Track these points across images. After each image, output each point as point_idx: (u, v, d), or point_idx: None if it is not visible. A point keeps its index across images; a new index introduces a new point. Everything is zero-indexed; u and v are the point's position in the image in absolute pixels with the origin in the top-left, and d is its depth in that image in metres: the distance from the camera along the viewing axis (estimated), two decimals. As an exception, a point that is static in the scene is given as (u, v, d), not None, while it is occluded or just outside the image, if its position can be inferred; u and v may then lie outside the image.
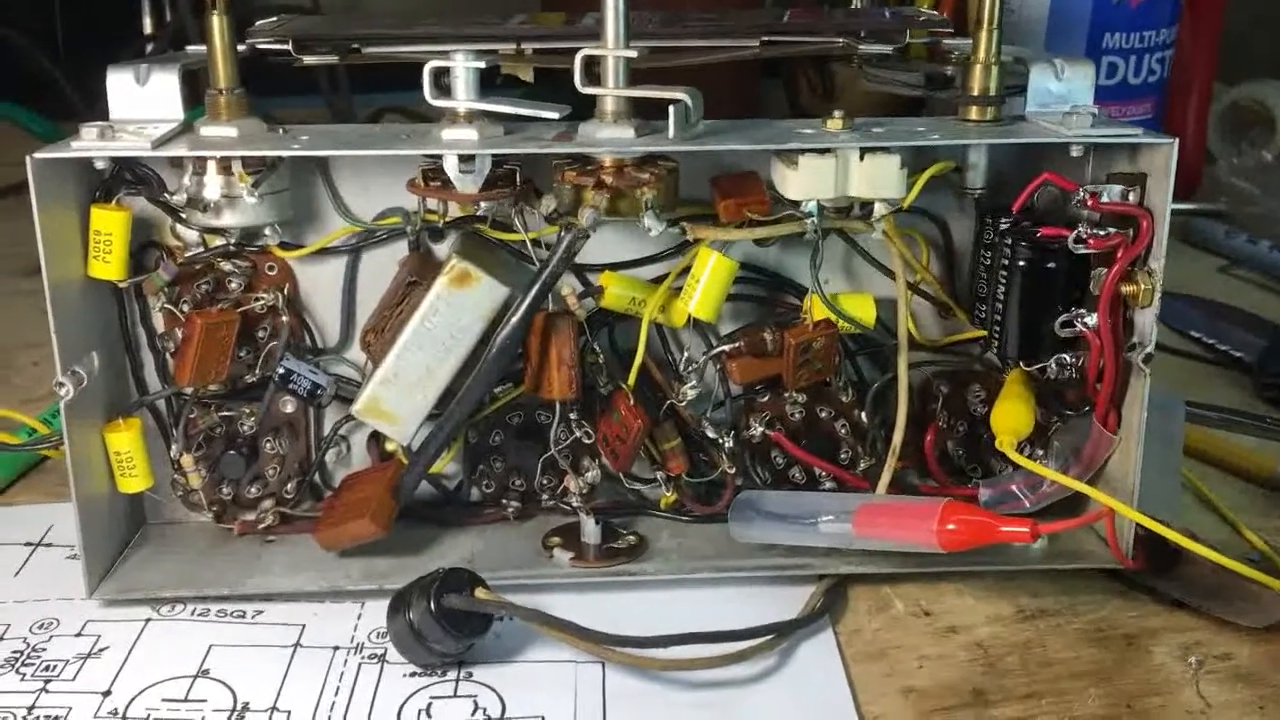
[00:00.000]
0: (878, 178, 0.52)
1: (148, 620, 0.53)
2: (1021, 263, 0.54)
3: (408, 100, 0.98)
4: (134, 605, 0.54)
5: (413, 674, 0.50)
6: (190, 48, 0.60)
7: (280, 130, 0.53)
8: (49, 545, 0.59)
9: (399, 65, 0.59)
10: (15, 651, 0.51)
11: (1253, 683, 0.50)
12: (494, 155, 0.52)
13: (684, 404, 0.57)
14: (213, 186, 0.52)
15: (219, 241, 0.55)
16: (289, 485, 0.58)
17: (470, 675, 0.50)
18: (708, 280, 0.54)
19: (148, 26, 1.21)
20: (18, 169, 0.99)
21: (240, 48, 0.54)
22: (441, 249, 0.57)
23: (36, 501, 0.63)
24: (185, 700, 0.48)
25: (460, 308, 0.54)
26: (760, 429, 0.58)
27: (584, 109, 0.52)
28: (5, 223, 1.07)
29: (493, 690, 0.49)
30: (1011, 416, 0.55)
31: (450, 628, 0.49)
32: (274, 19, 0.64)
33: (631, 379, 0.56)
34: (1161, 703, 0.49)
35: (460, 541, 0.58)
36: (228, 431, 0.58)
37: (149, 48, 1.18)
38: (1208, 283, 0.92)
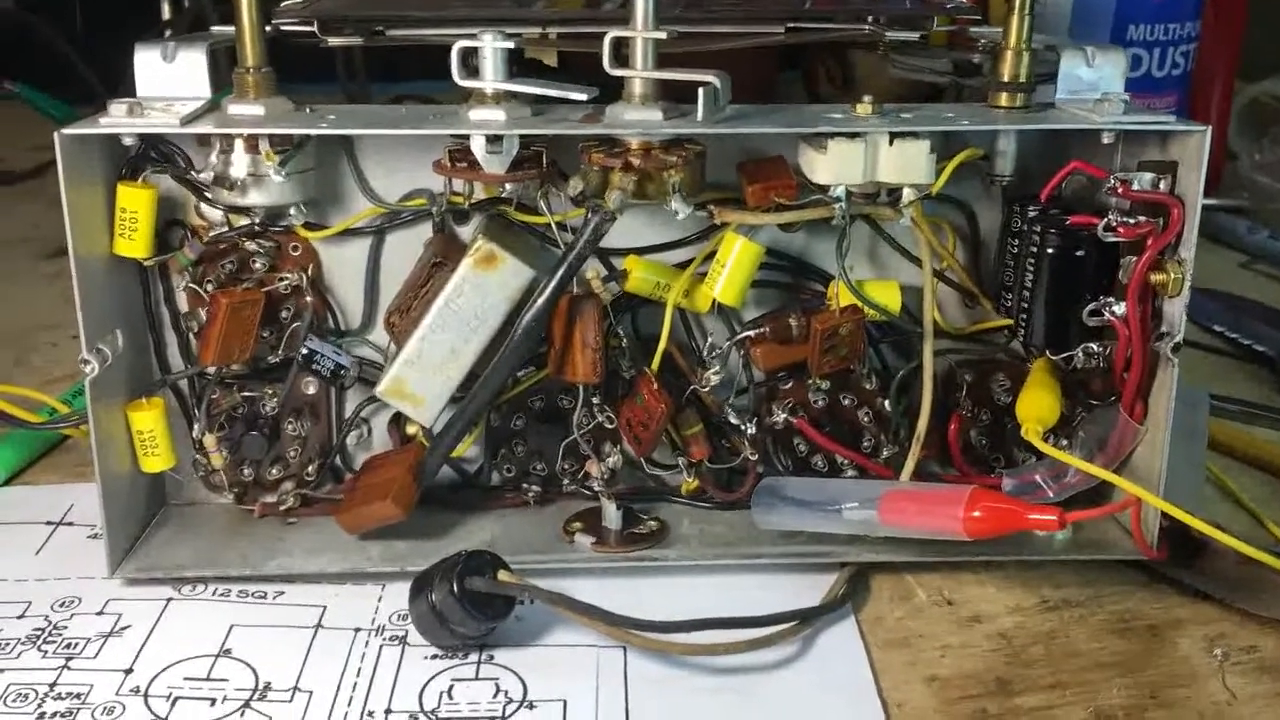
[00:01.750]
0: (907, 163, 0.51)
1: (169, 600, 0.53)
2: (1050, 250, 0.53)
3: (426, 89, 0.98)
4: (155, 585, 0.54)
5: (434, 656, 0.50)
6: (215, 28, 0.60)
7: (307, 109, 0.52)
8: (70, 524, 0.59)
9: (418, 53, 0.59)
10: (37, 629, 0.51)
11: (1278, 674, 0.49)
12: (521, 136, 0.51)
13: (707, 389, 0.57)
14: (240, 165, 0.52)
15: (244, 221, 0.55)
16: (310, 467, 0.58)
17: (492, 658, 0.50)
18: (733, 265, 0.54)
19: (166, 11, 1.21)
20: (37, 153, 1.00)
21: (266, 29, 0.54)
22: (466, 231, 0.57)
23: (58, 481, 0.63)
24: (207, 679, 0.48)
25: (485, 289, 0.54)
26: (783, 416, 0.58)
27: (609, 93, 0.52)
28: (25, 205, 1.08)
29: (514, 673, 0.49)
30: (1037, 405, 0.55)
31: (472, 610, 0.49)
32: (300, 0, 0.64)
33: (655, 363, 0.56)
34: (1187, 694, 0.48)
35: (481, 525, 0.58)
36: (250, 412, 0.58)
37: (167, 33, 1.18)
38: (1229, 278, 0.92)
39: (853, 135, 0.51)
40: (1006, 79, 0.53)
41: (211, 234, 0.55)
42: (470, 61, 0.50)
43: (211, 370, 0.56)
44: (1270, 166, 1.01)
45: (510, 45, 0.50)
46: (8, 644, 0.50)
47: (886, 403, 0.58)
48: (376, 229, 0.57)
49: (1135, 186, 0.51)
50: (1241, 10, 1.02)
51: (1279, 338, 0.76)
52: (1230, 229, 0.97)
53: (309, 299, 0.56)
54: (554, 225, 0.55)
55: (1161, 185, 0.51)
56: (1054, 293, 0.54)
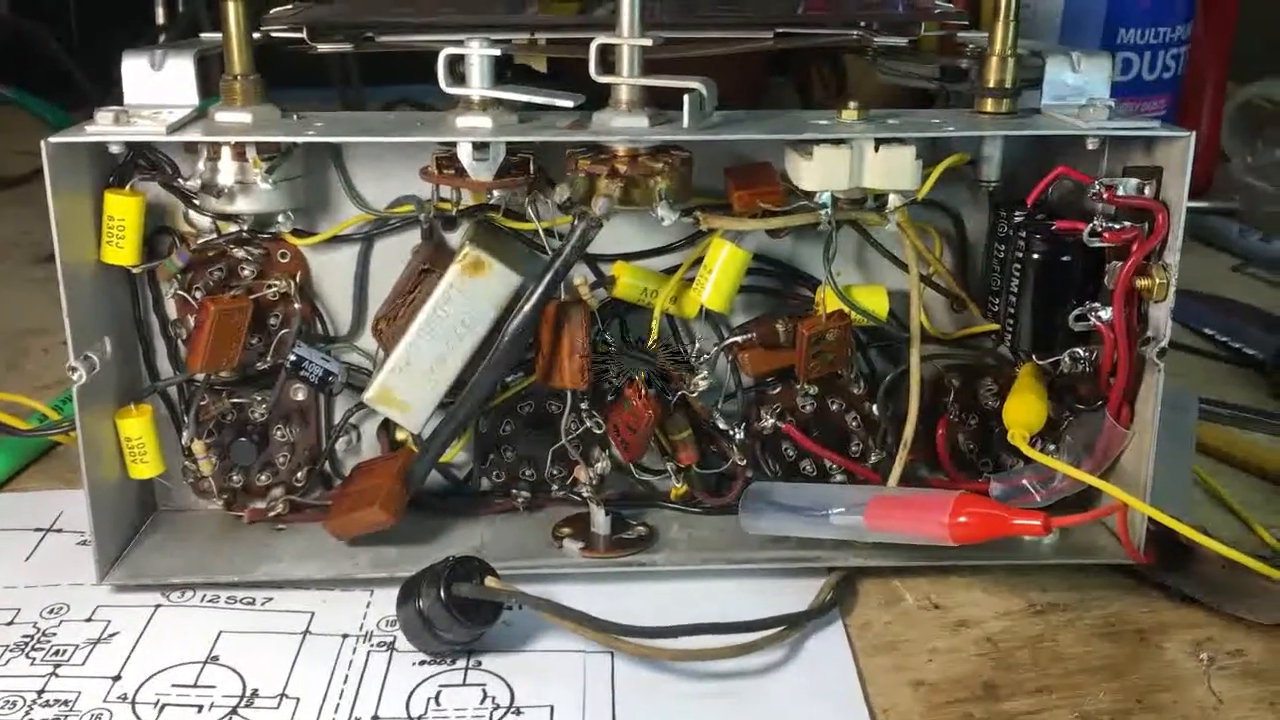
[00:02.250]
0: (893, 169, 0.51)
1: (157, 606, 0.53)
2: (1036, 255, 0.53)
3: (420, 94, 0.98)
4: (144, 591, 0.54)
5: (422, 662, 0.50)
6: (205, 35, 0.60)
7: (295, 117, 0.53)
8: (59, 531, 0.59)
9: (411, 58, 0.59)
10: (25, 636, 0.51)
11: (1264, 679, 0.50)
12: (508, 143, 0.52)
13: (695, 395, 0.57)
14: (227, 172, 0.52)
15: (232, 228, 0.55)
16: (299, 473, 0.58)
17: (480, 664, 0.50)
18: (720, 271, 0.54)
19: (160, 17, 1.22)
20: (29, 158, 1.00)
21: (255, 36, 0.54)
22: (454, 238, 0.57)
23: (47, 488, 0.64)
24: (194, 686, 0.48)
25: (473, 296, 0.54)
26: (771, 421, 0.58)
27: (596, 99, 0.52)
28: (17, 209, 1.08)
29: (501, 679, 0.49)
30: (1024, 410, 0.55)
31: (460, 616, 0.49)
32: (289, 7, 0.64)
33: (642, 370, 0.56)
34: (1173, 698, 0.49)
35: (469, 531, 0.58)
36: (239, 418, 0.58)
37: (161, 38, 1.18)
38: (1221, 281, 0.92)
39: (838, 141, 0.51)
40: (992, 85, 0.53)
41: (200, 241, 0.55)
42: (457, 69, 0.50)
43: (200, 377, 0.56)
44: (1263, 169, 1.01)
45: (496, 52, 0.50)
46: (-5, 651, 0.50)
47: (874, 407, 0.58)
48: (365, 236, 0.57)
49: (1120, 192, 0.51)
50: (1233, 13, 1.02)
51: (1270, 342, 0.76)
52: (1222, 232, 0.98)
53: (297, 305, 0.56)
54: (541, 231, 0.55)
55: (1146, 190, 0.51)
56: (1040, 297, 0.54)
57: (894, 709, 0.48)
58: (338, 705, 0.47)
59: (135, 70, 0.53)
